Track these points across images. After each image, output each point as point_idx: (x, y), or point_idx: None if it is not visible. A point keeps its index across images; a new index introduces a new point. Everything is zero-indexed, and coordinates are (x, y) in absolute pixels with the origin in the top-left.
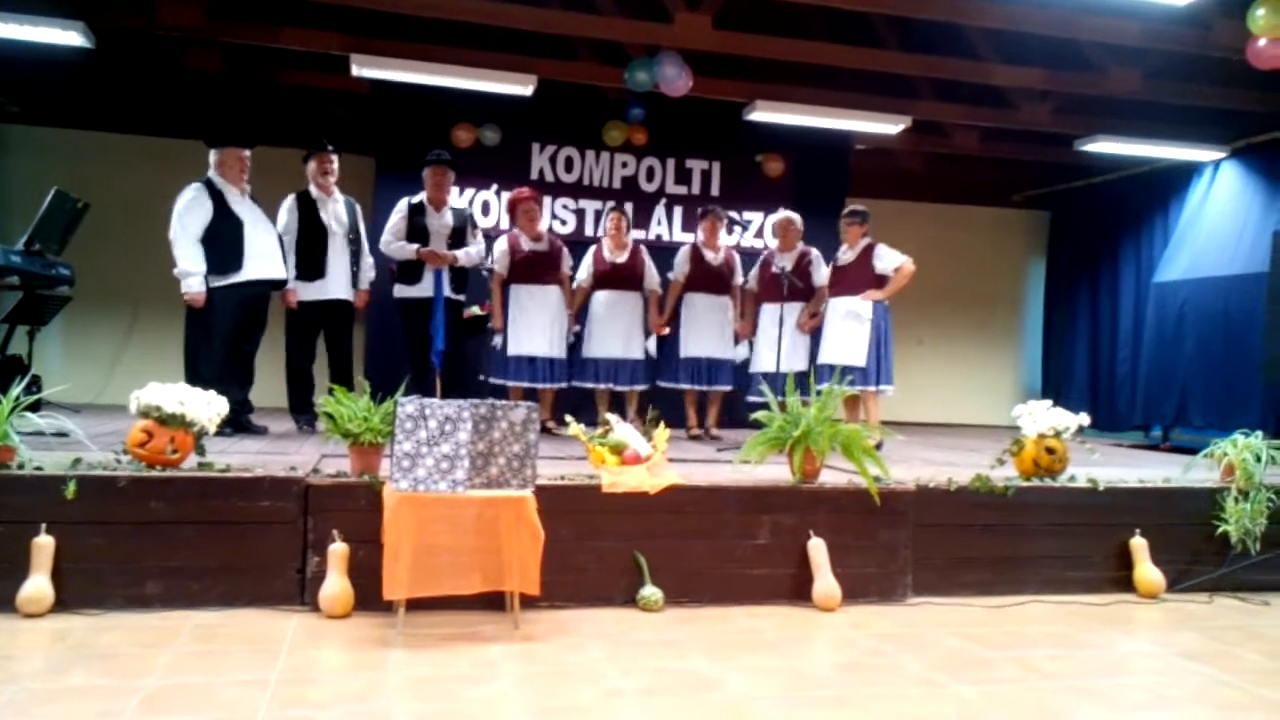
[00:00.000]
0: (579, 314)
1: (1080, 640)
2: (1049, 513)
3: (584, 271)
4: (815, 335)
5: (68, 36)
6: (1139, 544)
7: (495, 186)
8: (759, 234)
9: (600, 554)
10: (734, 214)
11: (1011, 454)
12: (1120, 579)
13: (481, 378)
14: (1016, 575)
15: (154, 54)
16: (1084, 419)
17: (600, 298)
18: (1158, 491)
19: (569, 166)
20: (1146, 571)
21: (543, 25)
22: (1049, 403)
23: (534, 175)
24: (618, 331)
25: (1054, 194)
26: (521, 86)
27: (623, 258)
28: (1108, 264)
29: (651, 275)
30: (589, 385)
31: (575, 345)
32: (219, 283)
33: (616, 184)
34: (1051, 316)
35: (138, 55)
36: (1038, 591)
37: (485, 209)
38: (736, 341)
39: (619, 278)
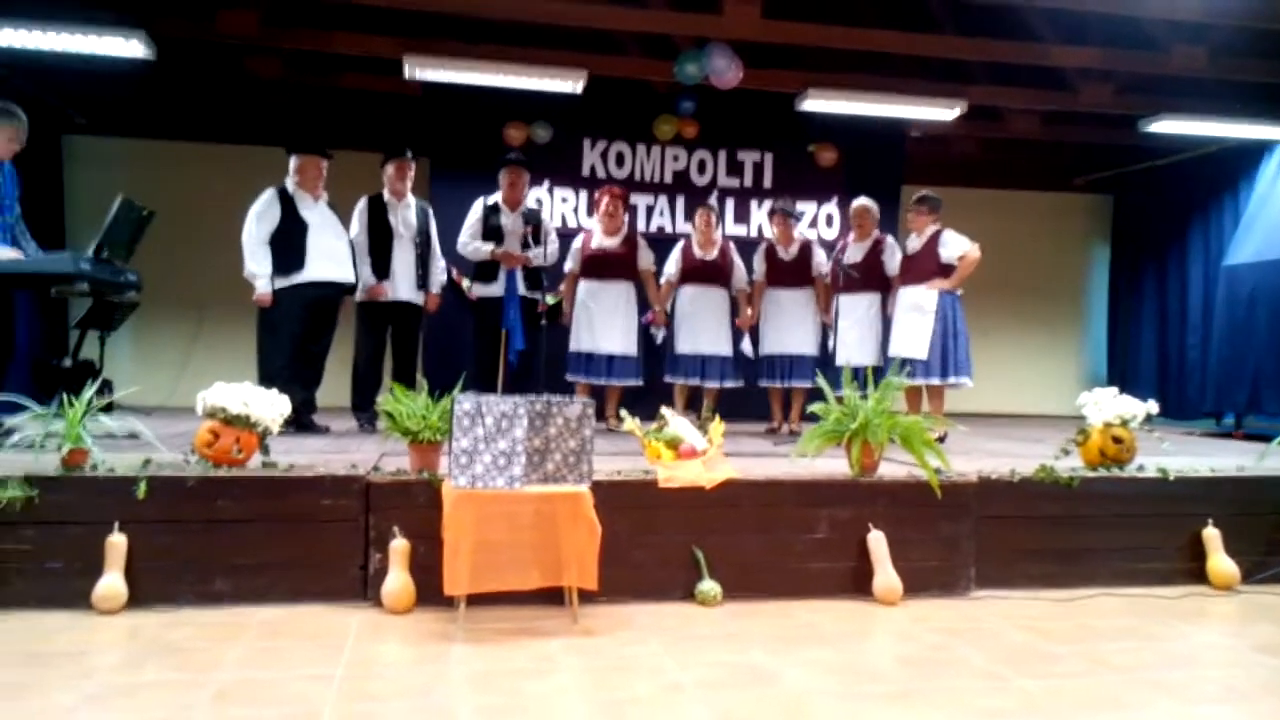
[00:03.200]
0: (666, 310)
1: (1150, 633)
2: (1116, 503)
3: (671, 267)
4: (888, 326)
5: (130, 47)
6: (1212, 535)
7: (548, 183)
8: (812, 223)
9: (657, 549)
10: (792, 208)
11: (1077, 444)
12: (1193, 571)
13: (565, 377)
14: (1083, 568)
15: (213, 61)
16: (1152, 406)
17: (687, 293)
18: (1231, 481)
19: (620, 161)
20: (1220, 563)
21: (591, 21)
22: (1115, 390)
23: (585, 171)
24: (705, 328)
25: (1117, 177)
26: (571, 83)
27: (712, 254)
28: (1175, 248)
29: (740, 272)
30: (679, 381)
31: (665, 342)
32: (283, 283)
33: (668, 178)
34: (1117, 302)
35: (198, 63)
36: (1106, 584)
37: (539, 205)
38: (826, 333)
39: (707, 274)
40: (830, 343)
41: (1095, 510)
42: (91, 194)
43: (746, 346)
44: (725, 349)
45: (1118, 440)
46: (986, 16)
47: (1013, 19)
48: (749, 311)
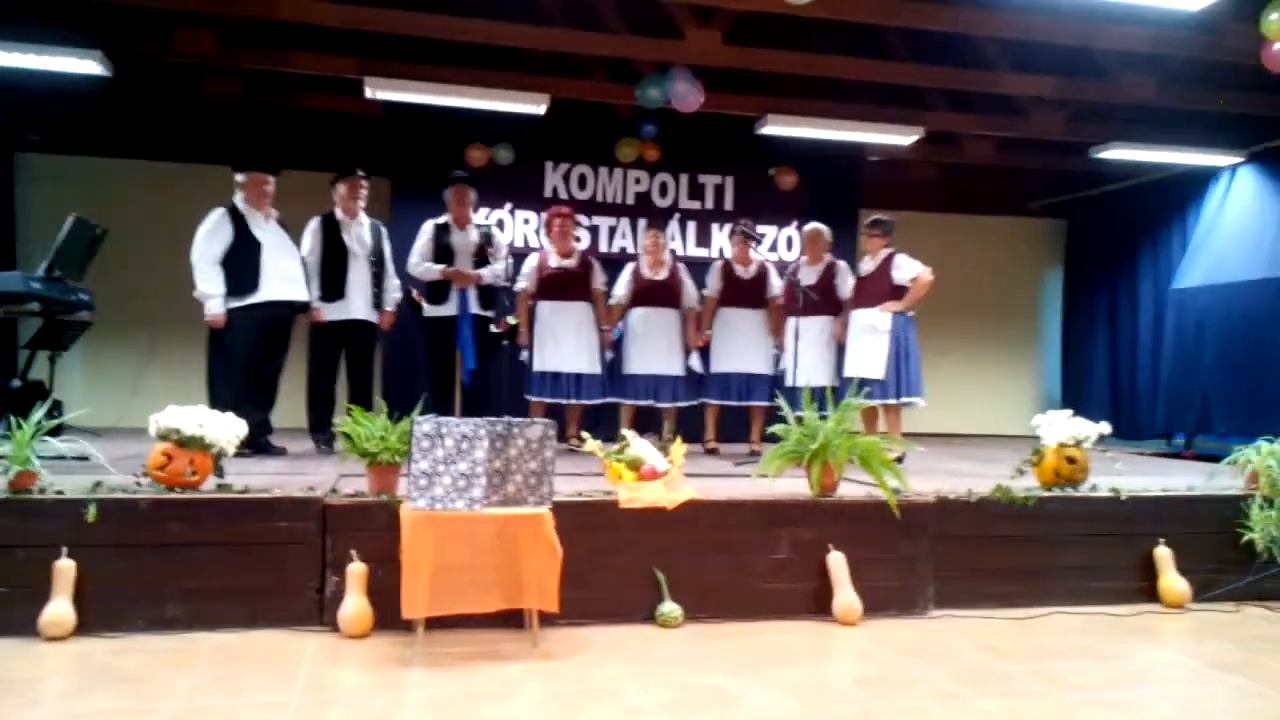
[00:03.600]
0: (614, 331)
1: (1105, 651)
2: (1071, 523)
3: (621, 288)
4: (841, 348)
5: (86, 65)
6: (1163, 553)
7: (509, 205)
8: (773, 247)
9: (619, 570)
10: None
11: (1032, 464)
12: (1145, 589)
13: (527, 397)
14: (1039, 586)
15: (171, 80)
16: (1104, 427)
17: (638, 314)
18: (1181, 500)
19: (582, 184)
20: (1171, 581)
21: (554, 45)
22: (1069, 412)
23: (547, 193)
24: (657, 348)
25: (1070, 202)
26: (534, 106)
27: (661, 275)
28: (1126, 271)
29: (690, 292)
30: (629, 402)
31: (614, 362)
32: (237, 304)
33: (630, 200)
34: (1070, 324)
35: (155, 82)
36: (1061, 603)
37: (500, 227)
38: (778, 356)
39: (657, 295)
40: (781, 364)
41: (1050, 530)
42: (44, 212)
43: (695, 363)
44: (677, 369)
45: (1071, 460)
46: (942, 45)
47: (968, 48)
48: (696, 330)
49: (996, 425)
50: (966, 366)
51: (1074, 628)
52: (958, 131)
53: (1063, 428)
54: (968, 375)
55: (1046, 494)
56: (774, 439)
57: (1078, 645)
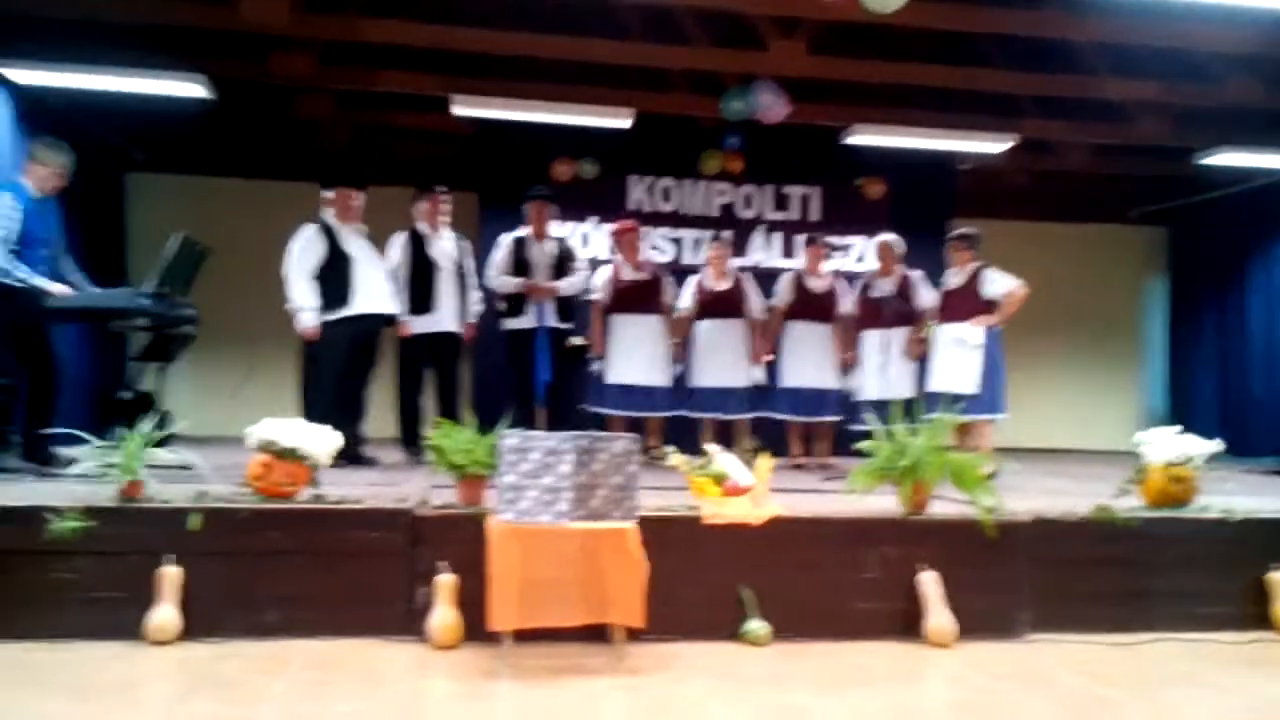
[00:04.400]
0: (683, 343)
1: (1215, 681)
2: (1178, 545)
3: (686, 300)
4: (922, 362)
5: (190, 89)
6: (1277, 579)
7: (595, 219)
8: (860, 258)
9: (704, 586)
10: (831, 240)
11: (1136, 483)
12: (1256, 616)
13: (581, 407)
14: (1143, 611)
15: (268, 101)
16: (1215, 446)
17: (703, 326)
18: None
19: (666, 197)
20: None
21: (638, 59)
22: (1175, 429)
23: (631, 206)
24: (722, 360)
25: (1173, 209)
26: (618, 120)
27: (724, 286)
28: (1235, 280)
29: (754, 303)
30: (697, 415)
31: (681, 375)
32: (329, 317)
33: (714, 212)
34: (1176, 336)
35: (253, 102)
36: (1166, 629)
37: (585, 241)
38: (845, 370)
39: (721, 306)
40: (852, 379)
41: (1155, 552)
42: (152, 229)
43: (759, 375)
44: (743, 380)
45: (1178, 480)
46: (1037, 50)
47: (1063, 52)
48: (762, 341)
49: (1097, 441)
50: (1066, 379)
51: (1181, 655)
52: (1054, 138)
53: (1169, 445)
54: (1067, 389)
55: (1152, 515)
56: (858, 454)
57: (1186, 673)
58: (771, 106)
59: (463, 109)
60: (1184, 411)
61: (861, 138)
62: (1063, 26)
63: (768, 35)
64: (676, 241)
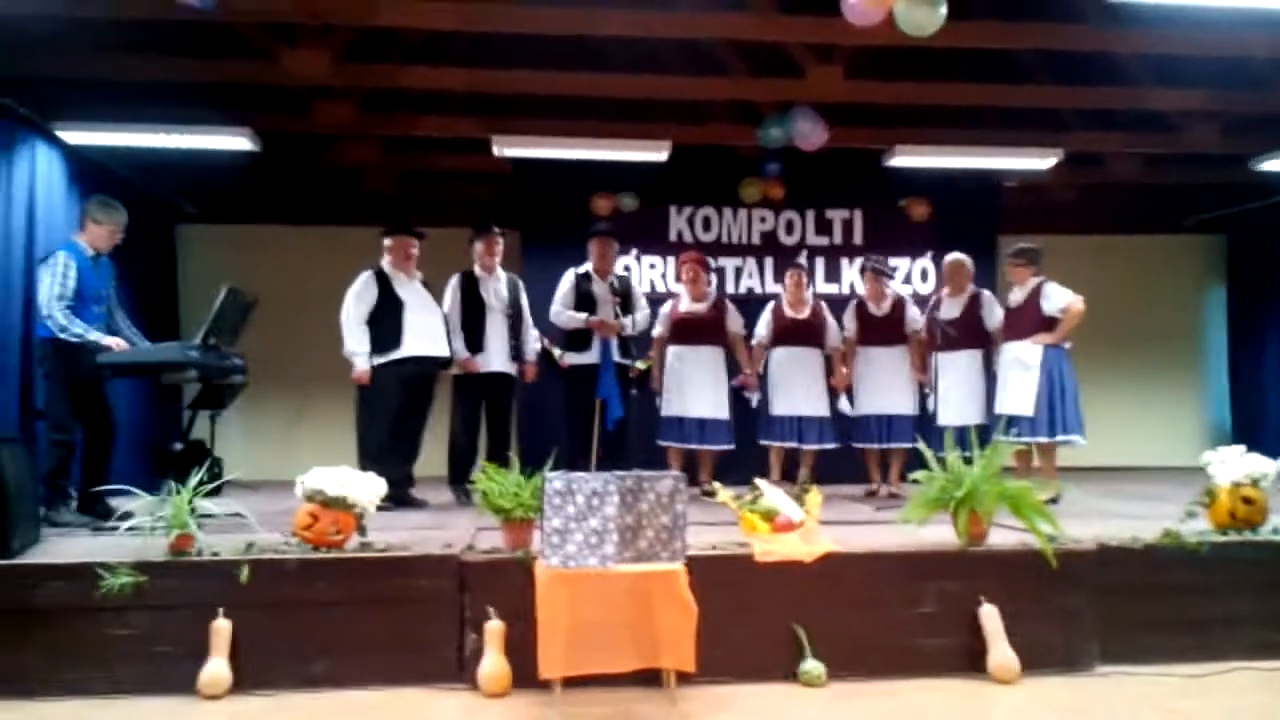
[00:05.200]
0: (758, 373)
1: None
2: (1250, 570)
3: (763, 329)
4: (992, 384)
5: (237, 142)
6: None
7: (635, 251)
8: (906, 279)
9: (756, 626)
10: (881, 263)
11: (1203, 505)
12: None
13: (659, 443)
14: (1217, 639)
15: (312, 149)
16: None
17: (779, 355)
18: None
19: (707, 226)
20: None
21: (675, 92)
22: (1242, 448)
23: (673, 237)
24: (800, 389)
25: (1230, 216)
26: (656, 152)
27: (803, 314)
28: None
29: (833, 331)
30: (775, 444)
31: (761, 405)
32: (380, 360)
33: (756, 240)
34: (1238, 347)
35: (298, 152)
36: (1241, 657)
37: (627, 273)
38: (923, 393)
39: (799, 334)
40: (929, 403)
41: (1227, 577)
42: (203, 279)
43: (845, 405)
44: (822, 409)
45: (1248, 501)
46: (1078, 63)
47: (1107, 64)
48: (844, 370)
49: (1159, 457)
50: (1125, 395)
51: (1258, 685)
52: (1102, 151)
53: (1237, 465)
54: (1127, 405)
55: (1221, 538)
56: (917, 481)
57: (1264, 705)
58: (810, 133)
59: (503, 149)
60: (1248, 424)
61: (903, 159)
62: (1104, 39)
63: (805, 62)
64: (719, 271)
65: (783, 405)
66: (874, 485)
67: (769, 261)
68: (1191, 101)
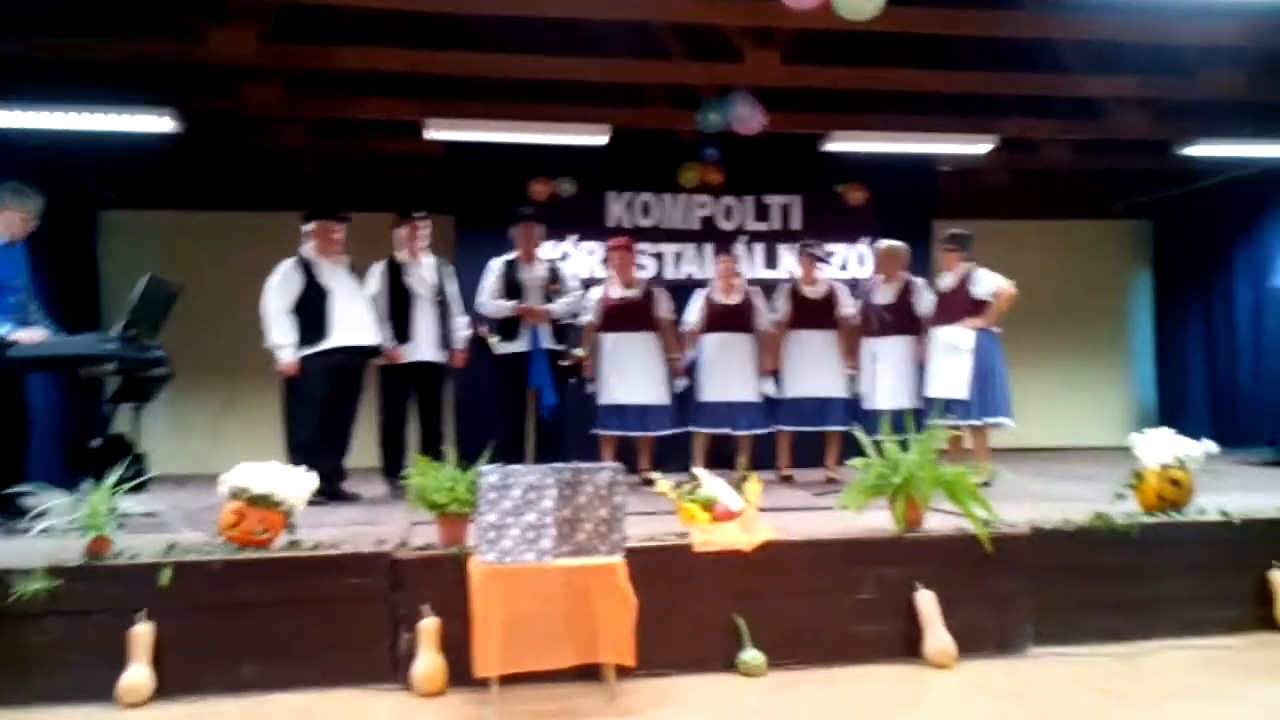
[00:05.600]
0: (686, 358)
1: (1223, 691)
2: (1178, 550)
3: (693, 315)
4: (923, 369)
5: (159, 124)
6: (1279, 578)
7: (574, 237)
8: (844, 265)
9: (696, 617)
10: (816, 247)
11: (1132, 487)
12: (1260, 617)
13: (594, 432)
14: (1147, 619)
15: (240, 132)
16: (1210, 446)
17: (711, 341)
18: None
19: (646, 211)
20: None
21: (612, 76)
22: (1169, 431)
23: (611, 223)
24: (732, 375)
25: (1156, 202)
26: (595, 136)
27: (734, 299)
28: (1220, 271)
29: (763, 316)
30: (705, 430)
31: (687, 391)
32: (308, 351)
33: (695, 225)
34: (1163, 329)
35: (225, 134)
36: (1169, 635)
37: (565, 259)
38: (851, 378)
39: (730, 320)
40: (858, 386)
41: (1156, 558)
42: (126, 267)
43: (769, 388)
44: (753, 395)
45: (1175, 483)
46: (1013, 50)
47: (1042, 51)
48: (768, 355)
49: (1088, 438)
50: (1054, 377)
51: (1187, 664)
52: (1034, 137)
53: (1164, 448)
54: (1056, 386)
55: (1150, 520)
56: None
57: (1192, 684)
58: (748, 118)
59: (436, 133)
60: (1173, 405)
61: (841, 144)
62: (1039, 26)
63: (743, 46)
64: (658, 256)
65: (714, 391)
66: (782, 468)
67: (708, 247)
68: (1122, 88)
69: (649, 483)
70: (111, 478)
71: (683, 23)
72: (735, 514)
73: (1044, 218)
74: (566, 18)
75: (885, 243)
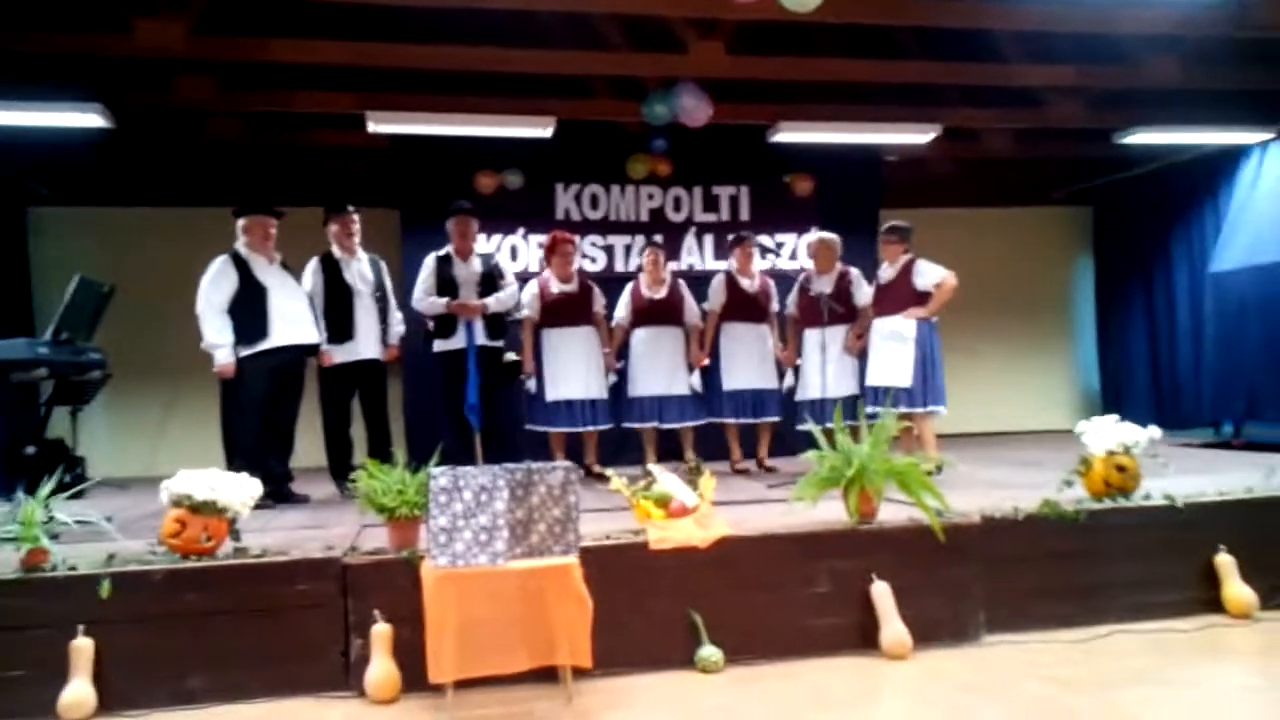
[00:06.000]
0: (619, 353)
1: (1173, 676)
2: (1126, 535)
3: (622, 310)
4: (863, 358)
5: (86, 119)
6: (1225, 561)
7: (522, 230)
8: (793, 256)
9: (653, 615)
10: (764, 240)
11: (1079, 474)
12: (1208, 600)
13: (527, 426)
14: (1096, 604)
15: (174, 126)
16: (1154, 432)
17: (640, 335)
18: (1241, 504)
19: (594, 204)
20: (1236, 590)
21: (556, 67)
22: (1115, 417)
23: (559, 215)
24: (661, 368)
25: (1095, 189)
26: (540, 129)
27: (661, 293)
28: (1159, 256)
29: (691, 309)
30: (636, 425)
31: (619, 385)
32: (247, 351)
33: (644, 217)
34: (1105, 314)
35: (158, 129)
36: (1120, 619)
37: (514, 254)
38: (781, 370)
39: (658, 313)
40: (790, 379)
41: (1104, 543)
42: (59, 265)
43: (695, 382)
44: (682, 388)
45: (1121, 469)
46: (954, 40)
47: (981, 41)
48: (698, 350)
49: (1034, 422)
50: (999, 362)
51: (1136, 648)
52: (976, 127)
53: (1110, 434)
54: (1002, 371)
55: (1098, 506)
56: (789, 453)
57: (1142, 669)
58: (694, 109)
59: (379, 126)
60: (1116, 389)
61: (787, 135)
62: (979, 16)
63: (686, 37)
64: (607, 249)
65: (643, 385)
66: (736, 462)
67: (658, 239)
68: (1060, 77)
69: (598, 477)
70: (47, 486)
71: (626, 14)
72: (690, 510)
73: (988, 205)
74: (510, 9)
75: (819, 235)
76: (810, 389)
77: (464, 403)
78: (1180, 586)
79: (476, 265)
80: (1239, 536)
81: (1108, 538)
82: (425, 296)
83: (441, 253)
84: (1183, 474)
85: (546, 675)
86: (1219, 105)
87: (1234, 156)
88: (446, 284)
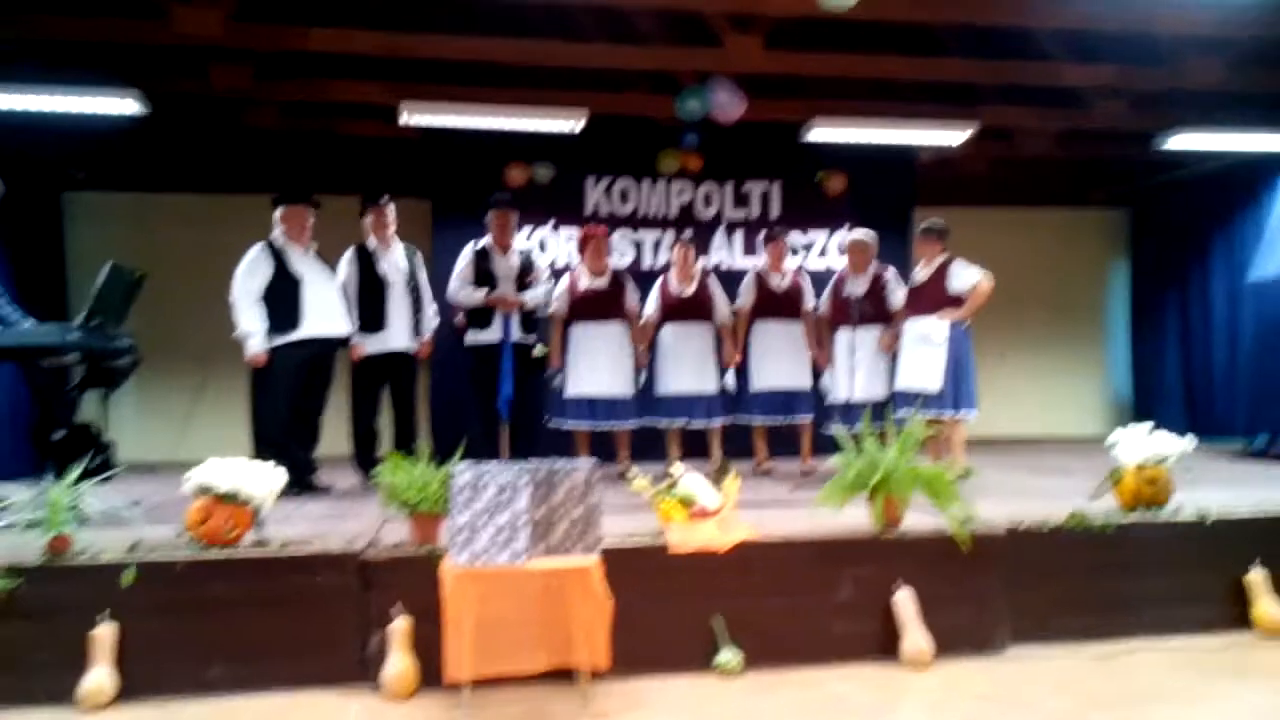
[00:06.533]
0: (649, 349)
1: (1199, 693)
2: (1155, 549)
3: (651, 305)
4: (894, 360)
5: (124, 105)
6: (1257, 578)
7: (552, 223)
8: (823, 253)
9: (672, 617)
10: (793, 239)
11: (1109, 485)
12: (1237, 616)
13: (547, 421)
14: (1122, 617)
15: (211, 113)
16: (1188, 444)
17: (669, 331)
18: (1275, 520)
19: (624, 198)
20: (1267, 608)
21: (591, 60)
22: (1147, 427)
23: (589, 209)
24: (688, 365)
25: (1134, 191)
26: (572, 122)
27: (690, 290)
28: (1197, 262)
29: (721, 306)
30: (664, 423)
31: (647, 383)
32: (278, 341)
33: (674, 212)
34: (1139, 319)
35: (195, 116)
36: (1146, 634)
37: (543, 246)
38: (816, 371)
39: (687, 310)
40: (824, 379)
41: (1132, 557)
42: (94, 250)
43: (729, 381)
44: (711, 386)
45: (1153, 481)
46: (995, 38)
47: (1022, 39)
48: (731, 348)
49: (1064, 427)
50: (1028, 367)
51: (1163, 665)
52: (1013, 126)
53: (1141, 446)
54: (1033, 375)
55: (1127, 519)
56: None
57: (1167, 685)
58: (728, 105)
59: (412, 117)
60: (1149, 395)
61: (821, 132)
62: (1020, 14)
63: (723, 32)
64: (637, 244)
65: (670, 383)
66: (762, 463)
67: (688, 234)
68: (1101, 77)
69: (624, 478)
70: (74, 472)
71: (663, 8)
72: (712, 513)
73: (1022, 205)
74: (545, 2)
75: (854, 235)
76: (839, 392)
77: (496, 396)
78: (1209, 602)
79: (514, 259)
80: (1272, 553)
81: (1136, 551)
82: (463, 287)
83: (480, 245)
84: (1215, 485)
85: (563, 675)
86: (1262, 109)
87: (1277, 163)
88: (484, 276)
